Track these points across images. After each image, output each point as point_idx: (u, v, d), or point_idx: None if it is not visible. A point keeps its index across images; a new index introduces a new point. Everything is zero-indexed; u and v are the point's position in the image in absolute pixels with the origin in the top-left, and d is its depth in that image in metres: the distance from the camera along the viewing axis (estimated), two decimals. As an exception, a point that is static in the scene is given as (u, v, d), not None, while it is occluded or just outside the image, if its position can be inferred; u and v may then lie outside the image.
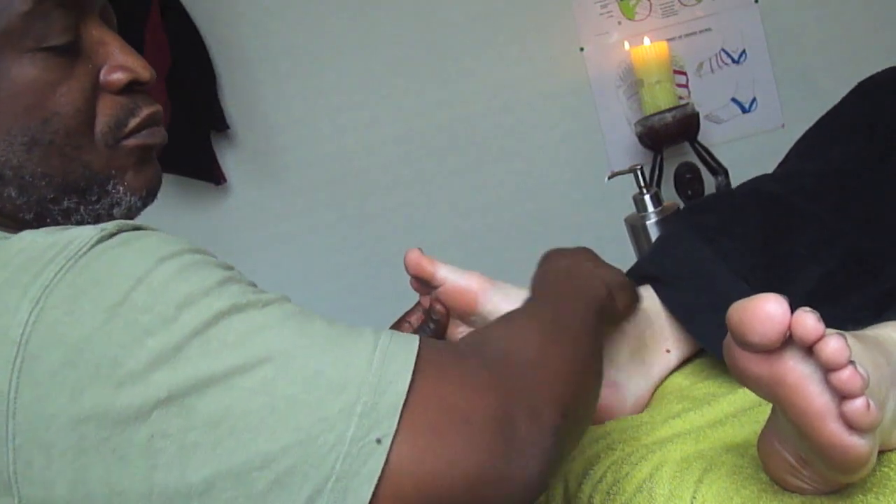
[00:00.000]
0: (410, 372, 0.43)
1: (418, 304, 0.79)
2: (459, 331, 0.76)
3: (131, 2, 1.64)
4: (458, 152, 1.80)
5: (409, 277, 0.77)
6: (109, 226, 0.45)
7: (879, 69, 0.90)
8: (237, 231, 1.83)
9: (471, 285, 0.73)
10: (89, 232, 0.44)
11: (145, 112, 0.58)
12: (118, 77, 0.56)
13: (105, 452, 0.39)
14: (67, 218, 0.55)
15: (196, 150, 1.73)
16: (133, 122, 0.57)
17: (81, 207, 0.55)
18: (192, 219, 1.81)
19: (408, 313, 0.80)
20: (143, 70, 0.57)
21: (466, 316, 0.75)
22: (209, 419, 0.40)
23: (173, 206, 1.79)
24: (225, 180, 1.79)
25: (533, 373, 0.47)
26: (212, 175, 1.76)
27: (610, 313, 0.68)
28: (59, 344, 0.40)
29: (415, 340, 0.45)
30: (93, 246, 0.43)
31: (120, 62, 0.56)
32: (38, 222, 0.54)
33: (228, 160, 1.80)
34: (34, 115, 0.52)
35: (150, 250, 0.44)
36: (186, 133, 1.67)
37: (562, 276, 0.67)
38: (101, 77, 0.56)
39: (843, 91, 0.91)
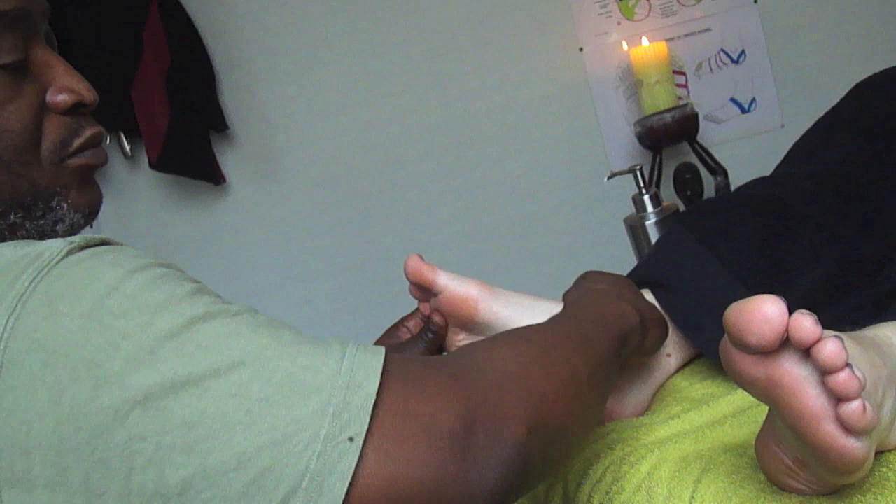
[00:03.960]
0: (378, 376, 0.44)
1: (417, 309, 0.79)
2: (459, 338, 0.76)
3: (130, 2, 1.64)
4: (458, 152, 1.80)
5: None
6: (77, 239, 0.46)
7: (879, 69, 0.90)
8: (236, 231, 1.83)
9: (470, 293, 0.73)
10: (59, 244, 0.45)
11: (88, 133, 0.60)
12: (64, 98, 0.58)
13: (84, 455, 0.40)
14: (13, 232, 0.56)
15: (195, 150, 1.73)
16: (77, 142, 0.59)
17: (27, 223, 0.57)
18: (192, 218, 1.81)
19: (406, 318, 0.80)
20: (87, 92, 0.59)
21: (466, 324, 0.75)
22: (185, 421, 0.41)
23: (173, 205, 1.79)
24: (224, 180, 1.79)
25: (502, 386, 0.47)
26: (211, 175, 1.76)
27: (638, 345, 0.68)
28: (38, 348, 0.41)
29: (381, 350, 0.46)
30: (64, 257, 0.44)
31: (66, 84, 0.58)
32: None
33: (228, 160, 1.80)
34: None
35: (122, 262, 0.45)
36: (186, 133, 1.67)
37: (595, 297, 0.67)
38: (48, 97, 0.58)
39: (843, 91, 0.91)
